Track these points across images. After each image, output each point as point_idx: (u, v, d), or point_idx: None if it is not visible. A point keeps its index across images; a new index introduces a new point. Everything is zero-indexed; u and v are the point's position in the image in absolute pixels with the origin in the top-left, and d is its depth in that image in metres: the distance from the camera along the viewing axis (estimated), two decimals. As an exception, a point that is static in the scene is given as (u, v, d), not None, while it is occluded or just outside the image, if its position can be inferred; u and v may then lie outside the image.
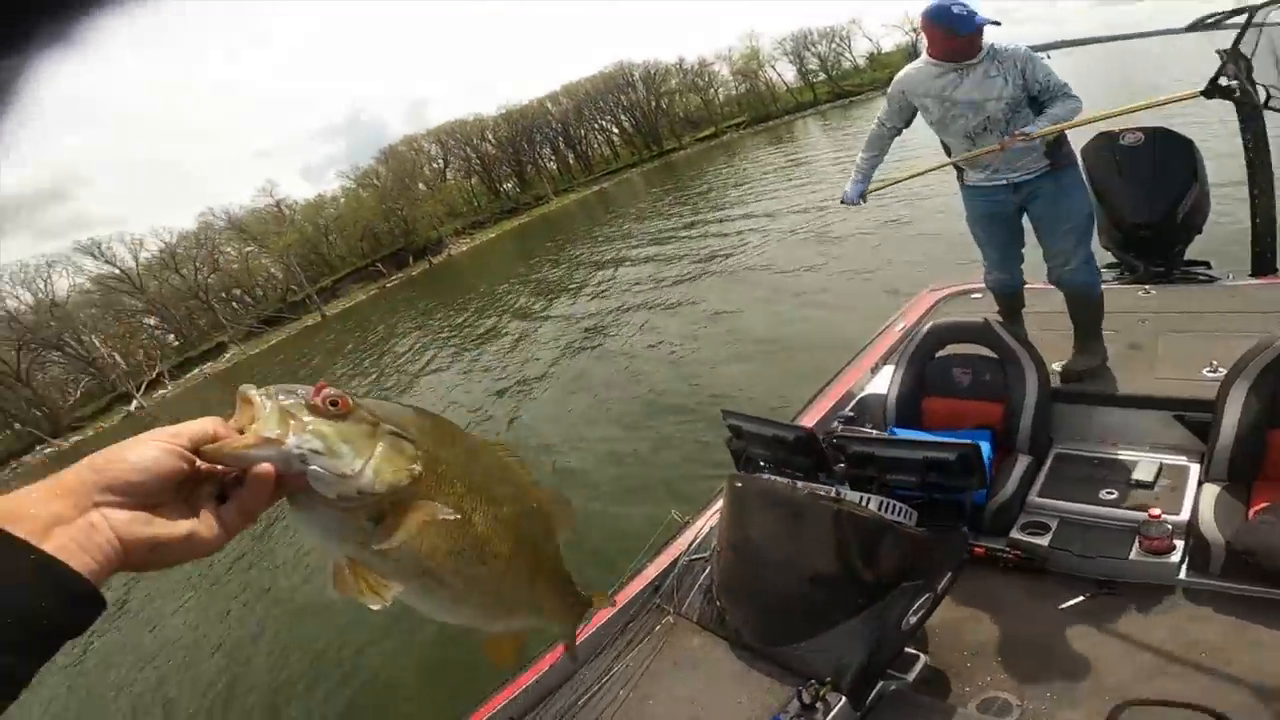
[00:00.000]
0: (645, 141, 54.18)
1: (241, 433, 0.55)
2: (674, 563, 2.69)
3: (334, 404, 0.57)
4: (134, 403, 33.17)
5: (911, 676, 2.01)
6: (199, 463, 0.55)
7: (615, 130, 57.22)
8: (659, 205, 24.86)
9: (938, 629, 2.15)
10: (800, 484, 2.30)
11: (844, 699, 1.89)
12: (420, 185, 47.84)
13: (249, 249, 42.51)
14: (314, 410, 0.56)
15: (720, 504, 2.66)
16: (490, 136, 52.87)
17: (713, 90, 54.37)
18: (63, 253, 38.26)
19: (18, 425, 33.34)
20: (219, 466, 0.56)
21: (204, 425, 0.55)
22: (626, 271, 15.53)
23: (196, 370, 35.55)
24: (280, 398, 0.56)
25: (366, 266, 41.92)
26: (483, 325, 16.49)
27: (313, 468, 0.54)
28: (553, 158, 56.07)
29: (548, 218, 40.76)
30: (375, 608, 0.59)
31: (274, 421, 0.54)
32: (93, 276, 37.78)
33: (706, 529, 2.73)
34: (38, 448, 31.98)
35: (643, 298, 12.62)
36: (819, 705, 1.88)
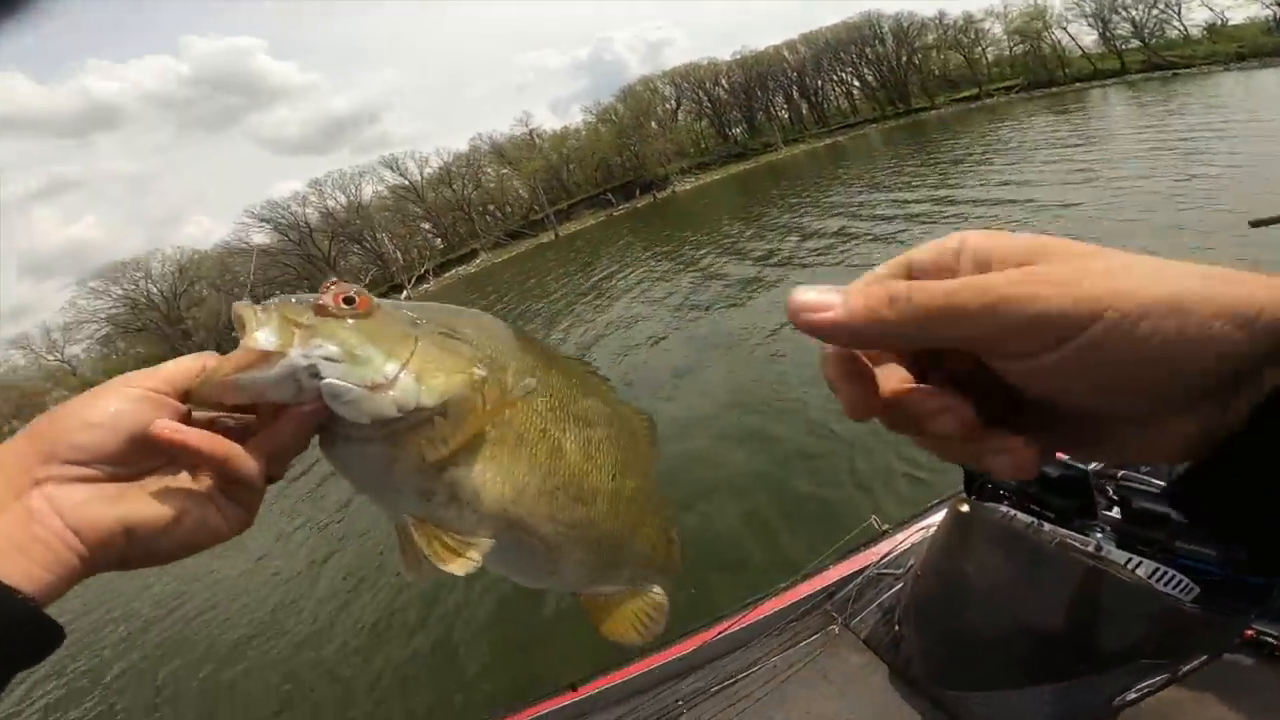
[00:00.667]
0: (889, 97, 49.32)
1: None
2: (859, 572, 2.47)
3: (349, 301, 0.44)
4: (405, 293, 40.04)
5: None
6: (186, 409, 0.42)
7: (856, 83, 52.93)
8: (898, 166, 22.28)
9: (1150, 705, 1.74)
10: (1048, 528, 1.93)
11: None
12: (653, 124, 49.32)
13: (504, 171, 48.18)
14: (323, 312, 0.44)
15: (932, 523, 2.40)
16: (724, 81, 52.31)
17: (979, 49, 47.20)
18: (370, 165, 47.36)
19: None
20: (217, 414, 0.43)
21: (188, 362, 0.43)
22: (855, 228, 14.06)
23: (453, 271, 41.90)
24: (281, 305, 0.43)
25: (598, 195, 45.31)
26: (691, 261, 16.55)
27: (328, 380, 0.41)
28: (785, 106, 53.92)
29: (774, 166, 39.59)
30: (460, 573, 0.45)
31: (272, 330, 0.42)
32: (389, 186, 45.99)
33: (907, 544, 2.46)
34: None
35: (867, 263, 11.37)
36: None
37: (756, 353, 8.68)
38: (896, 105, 48.11)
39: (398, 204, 45.88)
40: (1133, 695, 1.66)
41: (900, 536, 2.57)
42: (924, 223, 12.61)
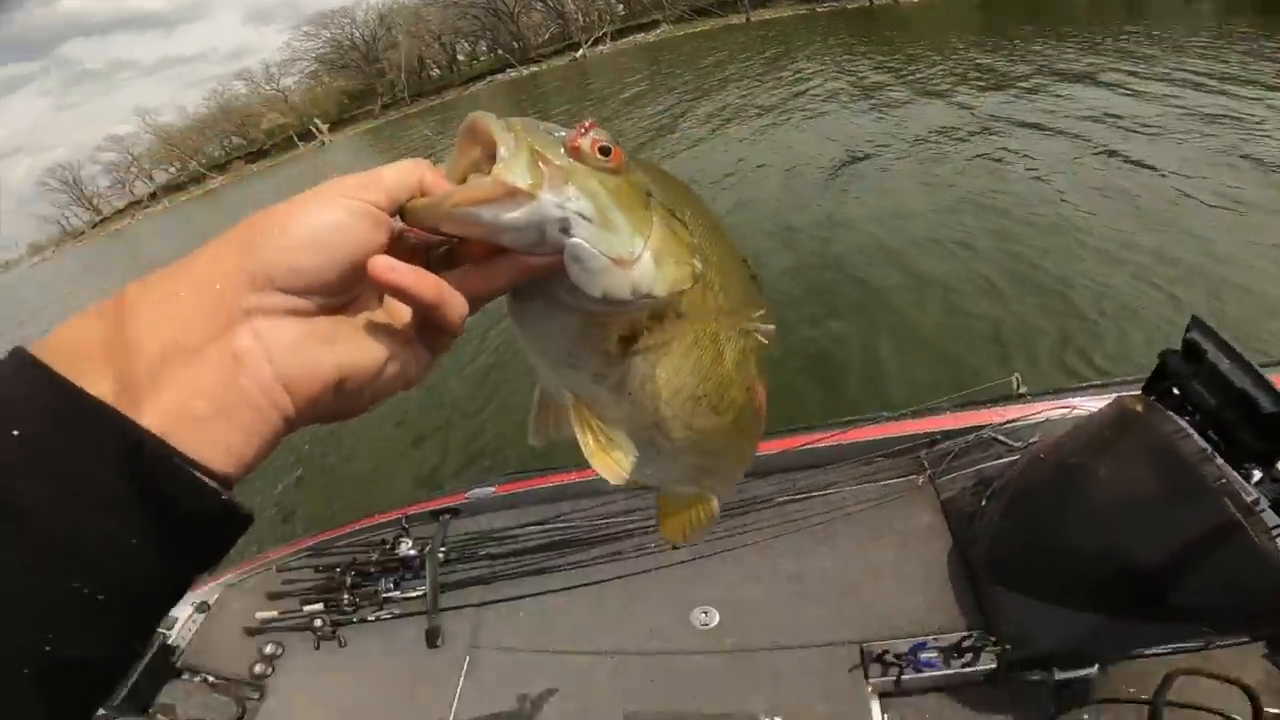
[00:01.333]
0: None
1: (463, 182, 0.37)
2: (975, 428, 2.14)
3: (605, 151, 0.40)
4: (580, 51, 39.27)
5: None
6: (399, 229, 0.37)
7: None
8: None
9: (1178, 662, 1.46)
10: (1219, 461, 1.58)
11: (995, 665, 1.57)
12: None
13: (699, -65, 42.43)
14: (578, 155, 0.39)
15: (1080, 405, 2.10)
16: None
17: None
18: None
19: (499, 50, 43.66)
20: (430, 236, 0.38)
21: (408, 173, 0.37)
22: (1152, 92, 10.22)
23: (631, 38, 39.44)
24: (528, 132, 0.38)
25: (799, -15, 39.30)
26: (887, 84, 13.87)
27: (576, 240, 0.37)
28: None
29: None
30: (610, 479, 0.44)
31: (522, 164, 0.36)
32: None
33: (1040, 417, 2.14)
34: (508, 69, 41.07)
35: (1133, 141, 8.30)
36: (969, 653, 1.60)
37: (950, 189, 7.93)
38: None
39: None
40: (1167, 649, 1.49)
41: (1037, 406, 2.20)
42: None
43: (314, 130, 42.93)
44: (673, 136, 14.06)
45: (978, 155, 8.96)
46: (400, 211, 0.36)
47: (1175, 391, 1.76)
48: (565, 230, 0.37)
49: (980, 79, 13.52)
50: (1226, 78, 10.29)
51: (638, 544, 2.14)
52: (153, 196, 46.94)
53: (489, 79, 41.38)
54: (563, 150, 0.38)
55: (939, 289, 5.55)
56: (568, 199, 0.37)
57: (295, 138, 43.61)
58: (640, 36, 39.18)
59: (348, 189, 0.34)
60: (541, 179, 0.36)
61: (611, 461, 0.44)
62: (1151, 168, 7.35)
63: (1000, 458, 2.09)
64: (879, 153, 10.02)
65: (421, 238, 0.38)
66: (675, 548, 1.88)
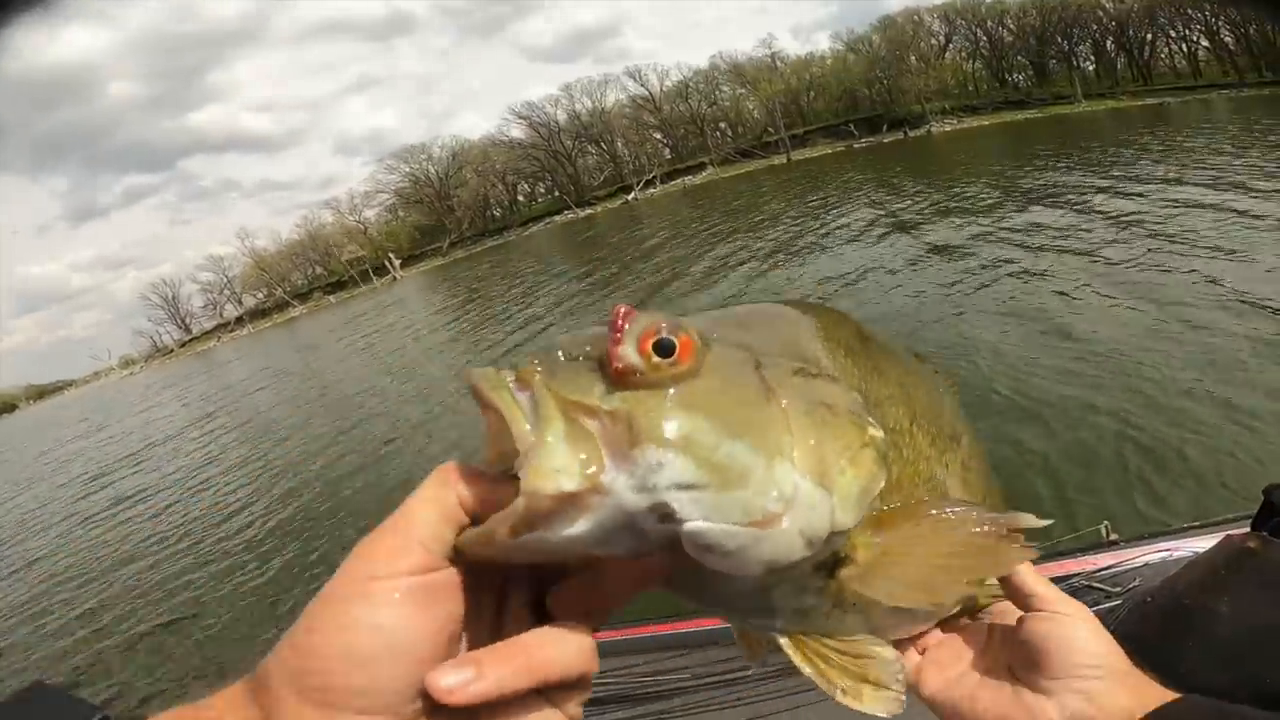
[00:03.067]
0: (1254, 63, 39.20)
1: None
2: (1064, 578, 2.01)
3: (665, 350, 0.28)
4: (633, 194, 42.94)
5: None
6: (463, 570, 0.30)
7: (1204, 42, 42.85)
8: (1248, 144, 16.04)
9: None
10: None
11: None
12: (913, 58, 44.85)
13: (740, 91, 47.48)
14: (625, 378, 0.28)
15: (1180, 548, 1.98)
16: (1010, 22, 45.45)
17: None
18: (615, 75, 49.78)
19: (557, 192, 48.30)
20: (511, 559, 0.30)
21: (433, 502, 0.29)
22: (1162, 217, 10.29)
23: (679, 180, 43.16)
24: (549, 381, 0.28)
25: (839, 125, 42.81)
26: (932, 213, 14.16)
27: (691, 526, 0.27)
28: (1091, 58, 45.62)
29: (1064, 121, 33.78)
30: (883, 715, 0.35)
31: (559, 450, 0.27)
32: (630, 96, 47.93)
33: (1138, 562, 2.03)
34: (564, 211, 44.86)
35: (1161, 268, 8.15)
36: None
37: (1005, 317, 7.67)
38: (1262, 73, 38.22)
39: (635, 112, 47.69)
40: None
41: (1131, 552, 2.15)
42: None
43: (388, 265, 46.89)
44: (729, 276, 13.99)
45: (1027, 280, 8.74)
46: (459, 548, 0.29)
47: None
48: (668, 518, 0.27)
49: (1008, 210, 13.49)
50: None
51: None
52: (239, 320, 51.09)
53: (547, 221, 45.29)
54: (604, 382, 0.28)
55: (1010, 434, 5.29)
56: (648, 472, 0.27)
57: (371, 271, 47.60)
58: (689, 179, 42.71)
59: (379, 568, 0.28)
60: (594, 459, 0.27)
61: (883, 697, 0.36)
62: (1214, 284, 7.07)
63: (1097, 604, 1.98)
64: (950, 282, 9.73)
65: (504, 562, 0.30)
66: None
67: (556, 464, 0.26)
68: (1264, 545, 1.57)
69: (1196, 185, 12.14)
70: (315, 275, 51.67)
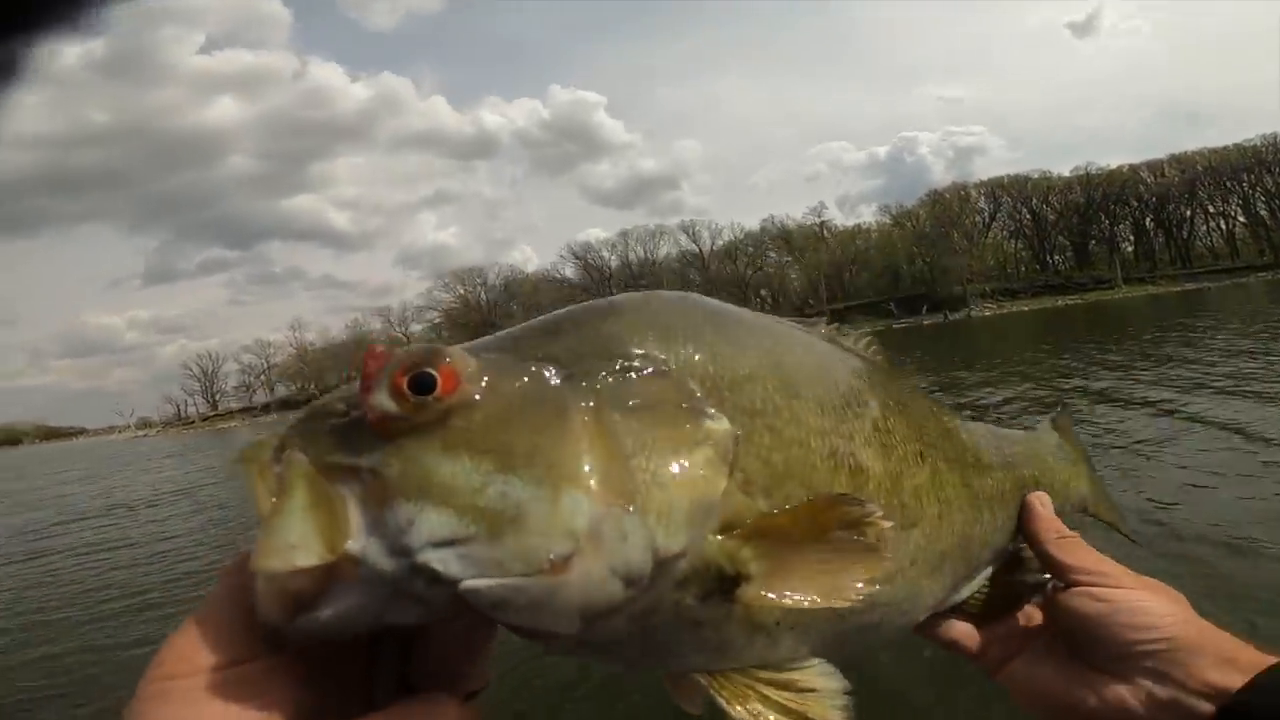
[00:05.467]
0: None
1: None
2: None
3: (423, 386, 0.25)
4: None
5: None
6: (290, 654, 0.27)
7: (1240, 219, 43.08)
8: None
9: None
10: None
11: None
12: (957, 235, 46.36)
13: (786, 259, 49.55)
14: (383, 425, 0.25)
15: None
16: (1053, 200, 46.92)
17: None
18: (670, 227, 53.10)
19: None
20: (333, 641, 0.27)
21: (245, 578, 0.25)
22: (1212, 416, 9.25)
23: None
24: (305, 435, 0.26)
25: (879, 302, 43.84)
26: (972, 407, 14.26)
27: (466, 585, 0.24)
28: (1130, 238, 46.14)
29: (1100, 308, 33.70)
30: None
31: (295, 519, 0.24)
32: (680, 250, 50.79)
33: None
34: None
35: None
36: None
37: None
38: None
39: (683, 268, 50.19)
40: None
41: None
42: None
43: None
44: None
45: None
46: (269, 641, 0.25)
47: None
48: (435, 580, 0.24)
49: (1015, 396, 13.14)
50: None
51: None
52: (265, 407, 52.60)
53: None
54: (356, 428, 0.25)
55: None
56: (399, 534, 0.23)
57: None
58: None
59: (177, 667, 0.25)
60: (341, 527, 0.24)
61: (828, 711, 0.32)
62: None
63: None
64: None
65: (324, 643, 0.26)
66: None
67: (291, 539, 0.23)
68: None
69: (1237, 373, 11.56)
70: (349, 379, 54.28)
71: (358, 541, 0.23)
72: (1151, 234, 45.42)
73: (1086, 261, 45.05)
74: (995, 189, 48.14)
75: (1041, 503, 0.50)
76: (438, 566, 0.23)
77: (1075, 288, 41.16)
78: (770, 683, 0.31)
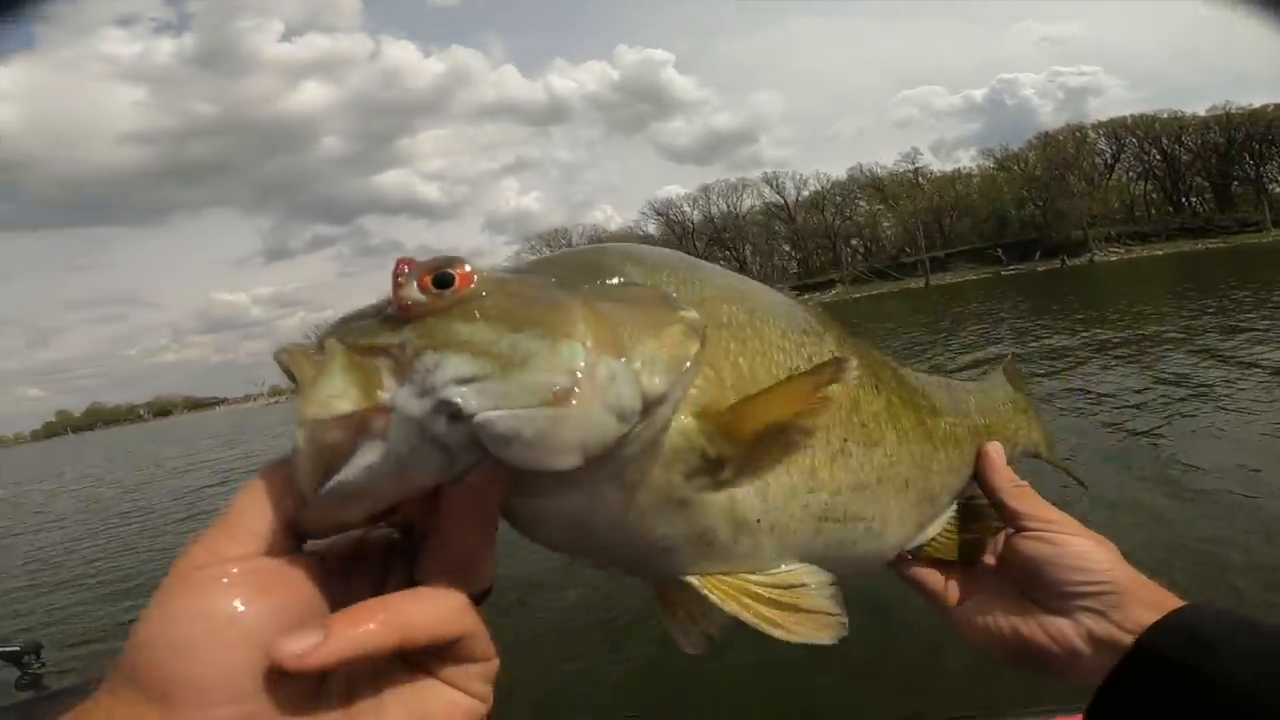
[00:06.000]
0: None
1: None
2: None
3: (443, 281, 0.29)
4: None
5: None
6: (308, 554, 0.29)
7: None
8: None
9: None
10: None
11: None
12: (1073, 178, 42.26)
13: (878, 207, 47.02)
14: (412, 312, 0.29)
15: None
16: (1187, 140, 41.67)
17: None
18: (753, 180, 51.36)
19: None
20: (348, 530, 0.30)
21: (262, 491, 0.28)
22: None
23: (808, 295, 42.72)
24: (340, 330, 0.30)
25: (985, 248, 40.90)
26: (1093, 358, 12.81)
27: (482, 416, 0.26)
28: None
29: (1245, 252, 29.91)
30: (831, 641, 0.35)
31: (336, 378, 0.27)
32: (765, 202, 49.20)
33: None
34: None
35: None
36: None
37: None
38: None
39: (768, 220, 48.71)
40: None
41: None
42: None
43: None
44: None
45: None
46: (298, 539, 0.28)
47: None
48: (457, 416, 0.26)
49: (1166, 348, 11.87)
50: None
51: None
52: None
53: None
54: (388, 323, 0.29)
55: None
56: (426, 375, 0.27)
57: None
58: (818, 295, 42.41)
59: (202, 557, 0.27)
60: (376, 383, 0.27)
61: (827, 623, 0.35)
62: None
63: None
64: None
65: (343, 539, 0.30)
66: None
67: (333, 391, 0.26)
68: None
69: None
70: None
71: (389, 392, 0.26)
72: (1309, 173, 39.74)
73: (1229, 204, 40.05)
74: (1117, 129, 43.34)
75: (996, 452, 0.54)
76: (459, 400, 0.26)
77: (1217, 230, 36.67)
78: (759, 582, 0.34)
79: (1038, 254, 37.56)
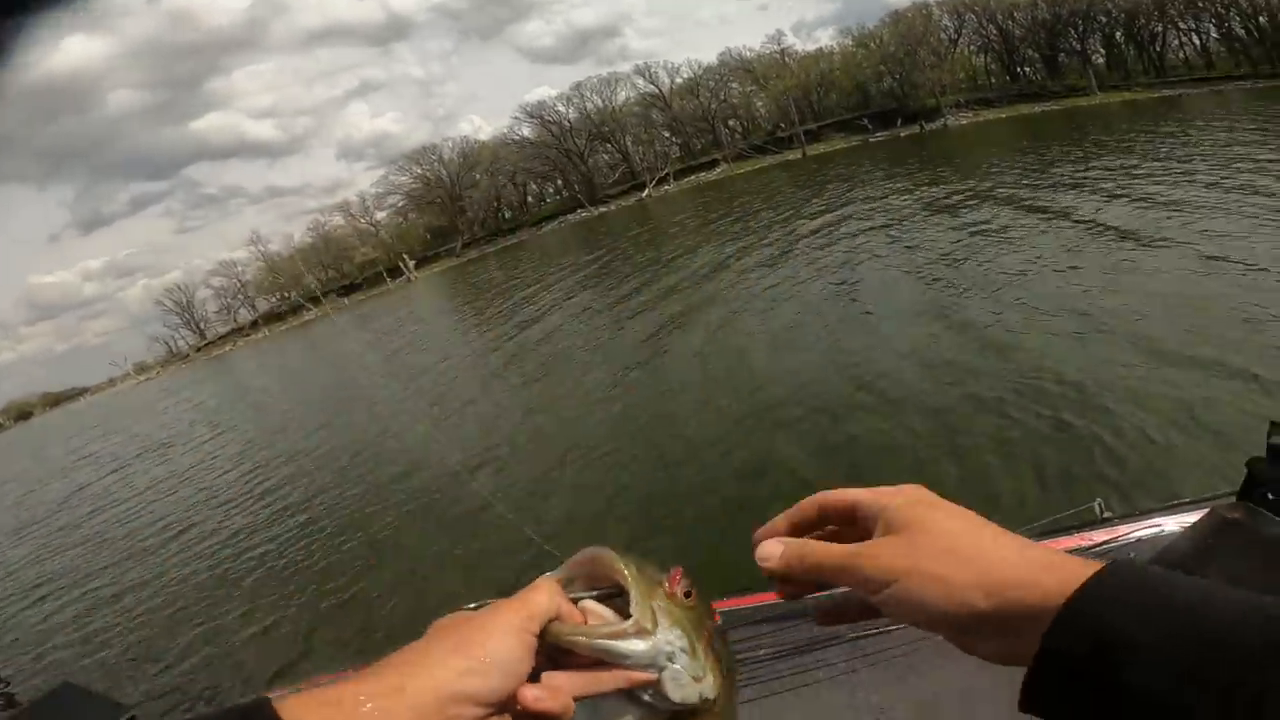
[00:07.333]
0: (1269, 55, 38.54)
1: (577, 604, 0.46)
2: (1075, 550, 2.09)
3: (688, 595, 0.48)
4: (646, 191, 43.10)
5: None
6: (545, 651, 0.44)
7: (1215, 34, 42.25)
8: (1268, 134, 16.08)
9: None
10: None
11: None
12: (924, 52, 44.48)
13: (750, 88, 47.16)
14: (674, 599, 0.47)
15: (1167, 523, 2.13)
16: (1020, 17, 45.00)
17: None
18: (625, 73, 49.22)
19: (568, 191, 48.39)
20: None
21: (549, 598, 0.44)
22: (1190, 201, 10.56)
23: (693, 177, 43.10)
24: (644, 579, 0.46)
25: (853, 119, 42.52)
26: (952, 205, 14.23)
27: (675, 667, 0.45)
28: (1101, 50, 45.04)
29: (1075, 113, 33.41)
30: None
31: (648, 610, 0.45)
32: (640, 94, 47.64)
33: (1131, 538, 2.15)
34: (578, 210, 44.65)
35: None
36: None
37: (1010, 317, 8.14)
38: (1276, 65, 37.54)
39: (645, 110, 47.44)
40: None
41: (1124, 528, 2.21)
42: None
43: (402, 267, 46.80)
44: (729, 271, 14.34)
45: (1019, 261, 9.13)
46: (546, 632, 0.43)
47: (1270, 497, 1.78)
48: (671, 659, 0.45)
49: (1027, 196, 13.46)
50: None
51: None
52: (254, 325, 51.07)
53: (560, 220, 45.07)
54: (664, 593, 0.46)
55: (994, 415, 5.65)
56: (675, 637, 0.45)
57: (385, 273, 47.52)
58: (703, 175, 42.51)
59: (515, 623, 0.41)
60: (657, 621, 0.45)
61: None
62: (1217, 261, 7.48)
63: None
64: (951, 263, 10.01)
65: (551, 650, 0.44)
66: None
67: (645, 615, 0.44)
68: (1248, 514, 1.81)
69: (1219, 170, 12.33)
70: (329, 278, 51.22)
71: (660, 631, 0.45)
72: (1123, 47, 44.28)
73: (1057, 72, 44.07)
74: (958, 7, 45.65)
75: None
76: (675, 653, 0.45)
77: (1050, 95, 40.47)
78: None
79: (899, 121, 39.76)
